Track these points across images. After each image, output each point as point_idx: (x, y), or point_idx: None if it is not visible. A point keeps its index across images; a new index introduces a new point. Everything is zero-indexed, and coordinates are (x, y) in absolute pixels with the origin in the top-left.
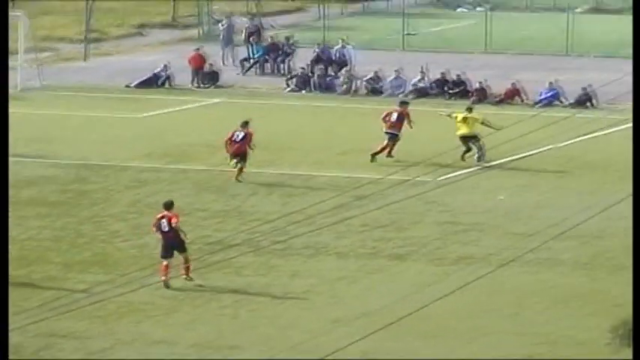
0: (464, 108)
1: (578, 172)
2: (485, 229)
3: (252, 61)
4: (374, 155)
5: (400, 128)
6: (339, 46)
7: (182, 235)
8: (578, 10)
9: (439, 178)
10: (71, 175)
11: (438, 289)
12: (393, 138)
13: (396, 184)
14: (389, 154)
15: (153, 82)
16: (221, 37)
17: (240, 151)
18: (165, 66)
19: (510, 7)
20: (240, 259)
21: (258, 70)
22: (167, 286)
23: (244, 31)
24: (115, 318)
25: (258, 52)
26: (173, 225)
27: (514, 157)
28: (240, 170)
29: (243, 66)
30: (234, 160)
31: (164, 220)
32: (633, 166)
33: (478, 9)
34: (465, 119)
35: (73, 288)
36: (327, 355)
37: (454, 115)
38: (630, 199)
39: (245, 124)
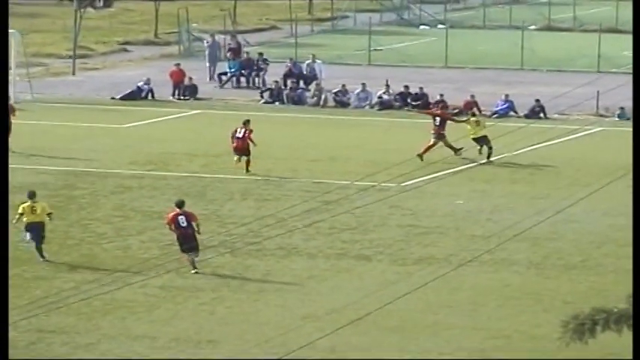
0: (426, 119)
1: (531, 178)
2: (445, 232)
3: (228, 75)
4: (430, 149)
5: (443, 130)
6: (310, 61)
7: (197, 232)
8: (532, 27)
9: (402, 184)
10: (60, 182)
11: (401, 287)
12: (440, 138)
13: (362, 190)
14: (423, 153)
15: (136, 94)
16: (206, 53)
17: (242, 146)
18: (147, 80)
19: (468, 25)
20: (217, 259)
21: (234, 84)
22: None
23: (226, 47)
24: (100, 314)
25: (234, 67)
26: (193, 223)
27: (472, 165)
28: (248, 163)
29: (220, 80)
30: (237, 156)
31: (182, 217)
32: (633, 167)
33: (439, 27)
34: (477, 122)
35: (62, 286)
36: (298, 349)
37: (468, 119)
38: (580, 204)
39: (247, 122)
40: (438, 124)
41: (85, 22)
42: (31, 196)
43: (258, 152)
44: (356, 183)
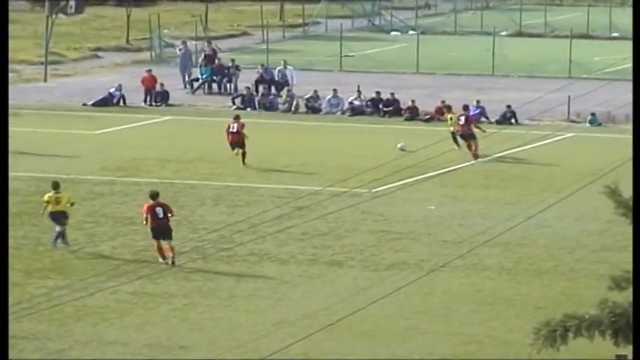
0: (397, 124)
1: (503, 184)
2: (417, 237)
3: (200, 81)
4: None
5: (470, 128)
6: (281, 67)
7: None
8: (503, 33)
9: (374, 190)
10: (32, 188)
11: (373, 292)
12: (469, 137)
13: (334, 196)
14: (474, 155)
15: (108, 101)
16: (179, 61)
17: (237, 140)
18: (119, 86)
19: (439, 31)
20: (189, 265)
21: (205, 90)
22: (165, 259)
23: (202, 54)
24: (72, 320)
25: (205, 73)
26: (170, 215)
27: (444, 170)
28: (244, 155)
29: (192, 86)
30: (235, 149)
31: (159, 208)
32: (633, 168)
33: (410, 32)
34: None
35: (34, 292)
36: (271, 355)
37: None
38: (552, 210)
39: (237, 117)
40: (463, 122)
41: (56, 28)
42: (55, 186)
43: (229, 159)
44: (328, 189)
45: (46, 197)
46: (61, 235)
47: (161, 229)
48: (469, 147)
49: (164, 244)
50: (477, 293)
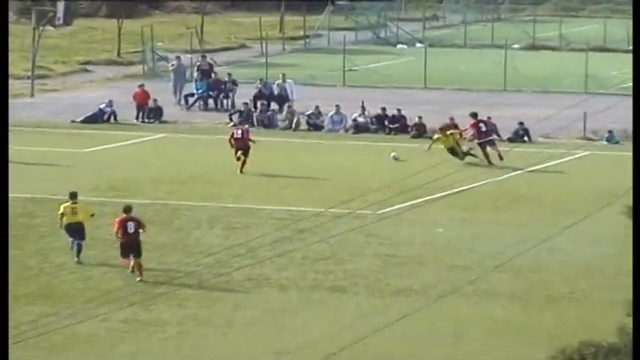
0: (404, 142)
1: (515, 205)
2: (424, 262)
3: (195, 96)
4: (490, 162)
5: (492, 134)
6: (280, 81)
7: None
8: (515, 46)
9: (379, 212)
10: (18, 209)
11: (378, 320)
12: (490, 144)
13: (336, 217)
14: (499, 157)
15: (98, 117)
16: (172, 77)
17: (243, 146)
18: (110, 102)
19: (448, 44)
20: (183, 291)
21: (201, 106)
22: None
23: (197, 68)
24: (60, 349)
25: (201, 88)
26: (141, 230)
27: (452, 191)
28: (244, 163)
29: (187, 102)
30: (239, 154)
31: (131, 223)
32: (633, 170)
33: (417, 45)
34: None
35: (20, 319)
36: None
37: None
38: (566, 233)
39: (239, 123)
40: (485, 129)
41: (43, 41)
42: (73, 196)
43: (226, 179)
44: (330, 210)
45: (61, 208)
46: (80, 248)
47: (130, 245)
48: (487, 155)
49: (132, 260)
50: (488, 321)
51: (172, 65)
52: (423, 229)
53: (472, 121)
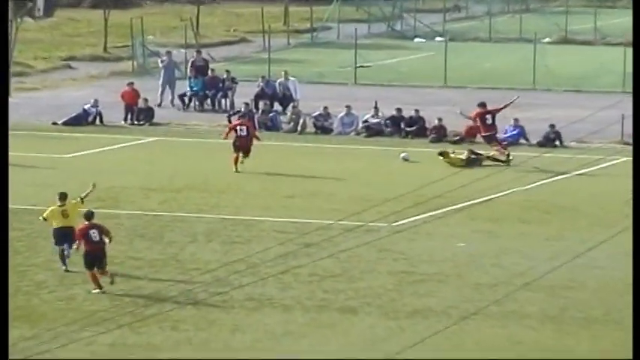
0: (422, 147)
1: (545, 217)
2: (445, 279)
3: (188, 94)
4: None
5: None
6: (282, 79)
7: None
8: (546, 40)
9: (394, 224)
10: None
11: (392, 344)
12: (491, 140)
13: (347, 231)
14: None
15: (82, 119)
16: (161, 74)
17: (245, 145)
18: (95, 101)
19: (471, 38)
20: (177, 312)
21: (197, 106)
22: (102, 288)
23: (191, 64)
24: None
25: (196, 86)
26: (106, 240)
27: (475, 201)
28: (237, 160)
29: (183, 101)
30: (239, 154)
31: (95, 231)
32: (633, 173)
33: (437, 39)
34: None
35: None
36: None
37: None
38: (602, 247)
39: (243, 116)
40: (491, 121)
41: (21, 34)
42: (62, 197)
43: (226, 187)
44: (340, 222)
45: (47, 212)
46: (68, 255)
47: (95, 255)
48: (495, 152)
49: (98, 273)
50: (516, 345)
51: (162, 61)
52: (443, 244)
53: (478, 110)
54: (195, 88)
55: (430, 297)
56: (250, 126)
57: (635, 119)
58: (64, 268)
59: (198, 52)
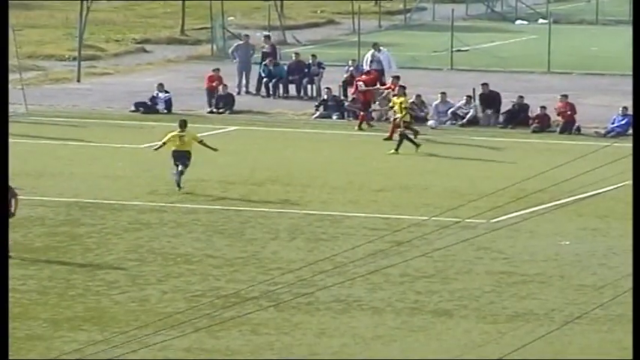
0: (524, 138)
1: None
2: (547, 281)
3: (269, 81)
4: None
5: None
6: (373, 51)
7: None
8: None
9: (492, 220)
10: (61, 216)
11: (490, 350)
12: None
13: (441, 227)
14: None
15: (157, 106)
16: (236, 60)
17: (364, 100)
18: (159, 86)
19: (577, 20)
20: (258, 315)
21: (281, 93)
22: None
23: (260, 52)
24: None
25: (279, 71)
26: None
27: (581, 196)
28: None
29: (267, 89)
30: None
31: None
32: (633, 169)
33: (540, 22)
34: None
35: (62, 348)
36: None
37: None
38: None
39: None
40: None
41: (93, 15)
42: (182, 125)
43: (311, 180)
44: (434, 219)
45: (168, 136)
46: (181, 173)
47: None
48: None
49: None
50: (624, 351)
51: (239, 46)
52: (546, 242)
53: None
54: (278, 75)
55: (531, 299)
56: (371, 79)
57: (635, 119)
58: (177, 188)
59: (266, 37)
